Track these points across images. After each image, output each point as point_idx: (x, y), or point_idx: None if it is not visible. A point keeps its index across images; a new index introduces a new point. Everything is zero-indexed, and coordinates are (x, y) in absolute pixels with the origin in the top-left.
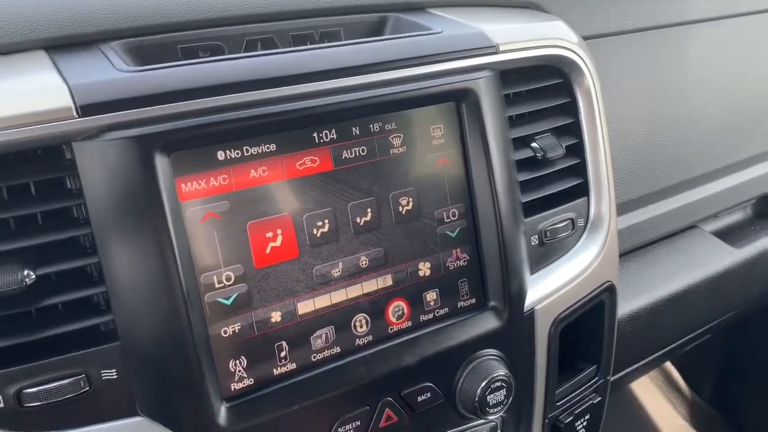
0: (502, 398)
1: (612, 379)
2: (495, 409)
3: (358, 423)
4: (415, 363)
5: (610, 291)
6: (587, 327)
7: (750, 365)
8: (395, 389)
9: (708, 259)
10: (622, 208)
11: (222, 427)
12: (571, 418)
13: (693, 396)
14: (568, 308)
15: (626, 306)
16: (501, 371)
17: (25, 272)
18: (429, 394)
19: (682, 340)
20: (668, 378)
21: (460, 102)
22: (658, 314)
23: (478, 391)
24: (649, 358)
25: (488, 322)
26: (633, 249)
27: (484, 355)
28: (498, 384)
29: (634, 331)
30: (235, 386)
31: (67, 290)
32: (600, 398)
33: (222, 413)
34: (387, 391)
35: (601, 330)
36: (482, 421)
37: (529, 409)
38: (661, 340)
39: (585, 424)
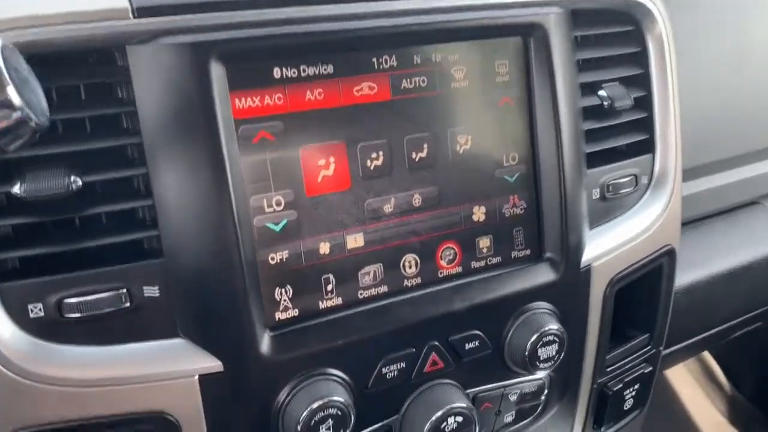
0: (554, 353)
1: (663, 352)
2: (545, 365)
3: (403, 365)
4: (464, 309)
5: (669, 255)
6: (643, 293)
7: None
8: (442, 334)
9: None
10: (682, 175)
11: (264, 355)
12: (620, 386)
13: (733, 391)
14: (625, 269)
15: (682, 277)
16: (554, 325)
17: (72, 178)
18: (477, 343)
19: (735, 321)
20: (708, 371)
21: (528, 37)
22: (714, 290)
23: (529, 344)
24: (702, 336)
25: (543, 275)
26: (691, 220)
27: (537, 308)
28: (550, 338)
29: (688, 304)
30: (280, 316)
31: (113, 200)
32: (651, 368)
33: (265, 341)
34: (434, 336)
35: (657, 297)
36: (530, 377)
37: (578, 371)
38: (716, 318)
39: (633, 394)
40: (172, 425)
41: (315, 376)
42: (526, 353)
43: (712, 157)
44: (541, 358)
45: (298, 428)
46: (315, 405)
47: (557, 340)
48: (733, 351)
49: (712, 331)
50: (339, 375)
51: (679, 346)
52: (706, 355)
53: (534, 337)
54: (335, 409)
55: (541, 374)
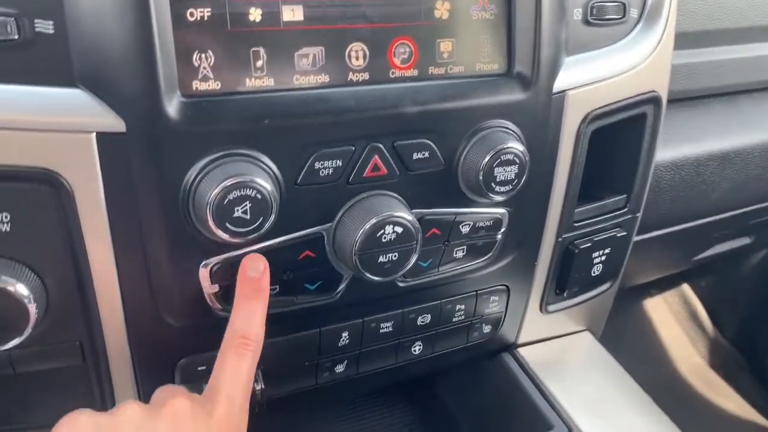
0: (512, 177)
1: (637, 238)
2: (502, 188)
3: (339, 163)
4: (415, 114)
5: (655, 104)
6: (623, 148)
7: None
8: (388, 137)
9: None
10: (680, 41)
11: (173, 120)
12: (589, 245)
13: (715, 333)
14: (604, 106)
15: (670, 151)
16: (515, 145)
17: None
18: (427, 154)
19: (723, 216)
20: (691, 312)
21: None
22: (703, 170)
23: (485, 160)
24: (683, 226)
25: (509, 91)
26: (686, 98)
27: (499, 126)
28: (509, 157)
29: (673, 182)
30: (198, 85)
31: None
32: (625, 234)
33: (174, 105)
34: (377, 137)
35: (638, 152)
36: (486, 209)
37: (541, 216)
38: (702, 205)
39: (603, 259)
40: (64, 189)
41: (234, 156)
42: (481, 171)
43: (716, 24)
44: (498, 179)
45: (209, 209)
46: (229, 182)
47: (517, 161)
48: (719, 293)
49: (696, 223)
50: (263, 161)
51: (656, 233)
52: (690, 295)
53: (491, 153)
54: (254, 191)
55: (497, 200)
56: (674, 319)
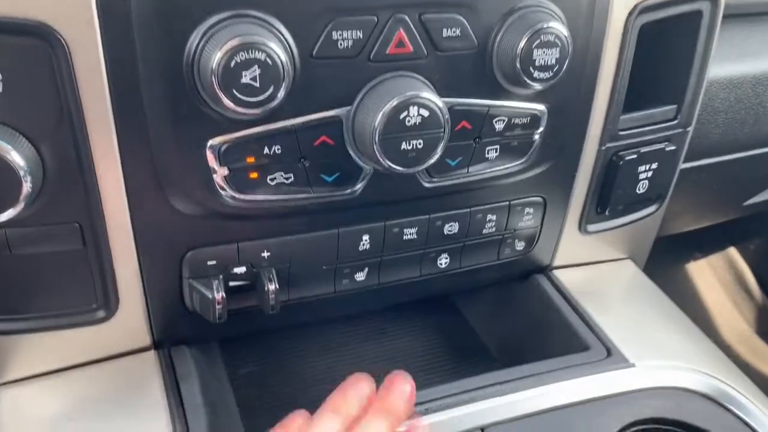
0: (553, 62)
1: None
2: (542, 74)
3: (360, 35)
4: None
5: (712, 1)
6: (674, 49)
7: None
8: (414, 7)
9: None
10: None
11: None
12: (635, 157)
13: (763, 299)
14: None
15: (726, 67)
16: (556, 24)
17: None
18: (458, 32)
19: None
20: (738, 277)
21: None
22: (762, 91)
23: (524, 41)
24: (736, 155)
25: None
26: (746, 13)
27: (539, 6)
28: (550, 38)
29: (728, 102)
30: None
31: None
32: (674, 149)
33: None
34: (403, 7)
35: (690, 57)
36: (523, 103)
37: (584, 116)
38: (758, 131)
39: (650, 175)
40: (60, 46)
41: (243, 18)
42: (519, 54)
43: None
44: (537, 64)
45: (214, 74)
46: (236, 41)
47: (559, 43)
48: (766, 257)
49: (750, 153)
50: (276, 26)
51: (705, 161)
52: (737, 259)
53: (530, 33)
54: (263, 54)
55: (536, 88)
56: (719, 284)
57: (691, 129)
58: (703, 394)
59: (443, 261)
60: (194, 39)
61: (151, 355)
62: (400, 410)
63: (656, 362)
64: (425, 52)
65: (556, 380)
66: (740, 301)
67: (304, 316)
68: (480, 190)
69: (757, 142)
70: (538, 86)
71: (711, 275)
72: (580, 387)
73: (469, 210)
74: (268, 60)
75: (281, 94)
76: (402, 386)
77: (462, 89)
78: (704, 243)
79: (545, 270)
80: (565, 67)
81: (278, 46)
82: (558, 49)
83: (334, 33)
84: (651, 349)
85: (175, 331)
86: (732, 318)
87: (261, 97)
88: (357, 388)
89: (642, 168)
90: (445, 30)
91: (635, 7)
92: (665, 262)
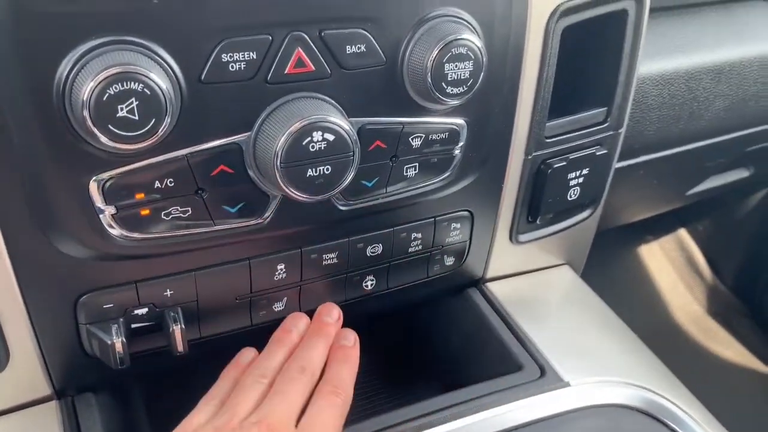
0: (467, 75)
1: (622, 163)
2: (455, 89)
3: (253, 55)
4: None
5: (637, 1)
6: (600, 50)
7: None
8: (313, 24)
9: None
10: None
11: None
12: (564, 164)
13: (714, 280)
14: None
15: (657, 63)
16: (469, 36)
17: None
18: (363, 48)
19: (717, 139)
20: (688, 258)
21: None
22: (694, 86)
23: (434, 54)
24: (673, 150)
25: None
26: (676, 6)
27: (450, 15)
28: (462, 51)
29: (661, 99)
30: None
31: None
32: (606, 152)
33: None
34: (299, 24)
35: (618, 58)
36: (439, 119)
37: (507, 126)
38: (693, 126)
39: (581, 181)
40: None
41: (119, 44)
42: (430, 68)
43: None
44: (450, 79)
45: (86, 106)
46: (108, 72)
47: (472, 55)
48: (716, 236)
49: (687, 147)
50: (156, 51)
51: (643, 158)
52: (687, 240)
53: (440, 46)
54: (140, 85)
55: (451, 104)
56: (670, 265)
57: (622, 131)
58: (638, 409)
59: (369, 283)
60: (64, 68)
61: (53, 405)
62: (331, 331)
63: (591, 378)
64: (329, 70)
65: (489, 406)
66: (692, 283)
67: (222, 350)
68: (402, 208)
69: (693, 137)
70: (452, 102)
71: (662, 257)
72: (514, 412)
73: (392, 230)
74: (147, 90)
75: (165, 124)
76: (330, 312)
77: (373, 108)
78: (654, 225)
79: (479, 283)
80: (480, 80)
81: (158, 74)
82: (471, 62)
83: (223, 55)
84: (586, 364)
85: (77, 379)
86: (684, 299)
87: (140, 131)
88: (295, 323)
89: (572, 174)
90: (348, 46)
91: (555, 10)
92: (615, 243)
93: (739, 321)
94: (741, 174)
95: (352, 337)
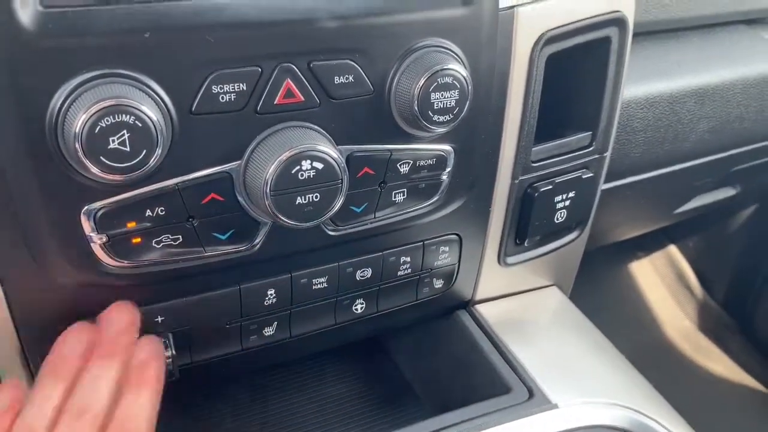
0: (452, 104)
1: (609, 185)
2: (441, 117)
3: (243, 87)
4: (334, 28)
5: (620, 27)
6: (584, 76)
7: None
8: (302, 56)
9: (752, 58)
10: None
11: (29, 32)
12: (550, 187)
13: (704, 297)
14: (561, 26)
15: (642, 87)
16: (454, 66)
17: None
18: (351, 78)
19: (702, 160)
20: (678, 274)
21: None
22: (679, 108)
23: (420, 84)
24: (659, 172)
25: (448, 4)
26: (660, 30)
27: (436, 46)
28: (448, 81)
29: (646, 122)
30: None
31: None
32: (592, 176)
33: (31, 14)
34: (289, 56)
35: (602, 83)
36: (427, 146)
37: (494, 151)
38: (678, 148)
39: (568, 204)
40: None
41: (111, 77)
42: (416, 98)
43: None
44: (436, 107)
45: (78, 139)
46: (100, 105)
47: (458, 85)
48: (705, 252)
49: (673, 168)
50: (147, 84)
51: (629, 179)
52: (677, 256)
53: (427, 76)
54: (131, 117)
55: (437, 132)
56: (661, 282)
57: (608, 154)
58: (625, 430)
59: (359, 307)
60: (57, 101)
61: None
62: (119, 347)
63: (579, 399)
64: (317, 100)
65: (478, 429)
66: (682, 299)
67: (213, 374)
68: (391, 233)
69: (679, 158)
70: (439, 129)
71: (652, 273)
72: None
73: (381, 254)
74: (138, 122)
75: (156, 155)
76: (118, 318)
77: (361, 136)
78: (644, 242)
79: (468, 305)
80: (465, 108)
81: (150, 107)
82: (457, 91)
83: (213, 87)
84: (574, 385)
85: None
86: (675, 315)
87: (131, 162)
88: (75, 340)
89: (559, 198)
90: (336, 77)
91: (539, 39)
92: (606, 260)
93: (729, 336)
94: (728, 192)
95: (150, 347)
